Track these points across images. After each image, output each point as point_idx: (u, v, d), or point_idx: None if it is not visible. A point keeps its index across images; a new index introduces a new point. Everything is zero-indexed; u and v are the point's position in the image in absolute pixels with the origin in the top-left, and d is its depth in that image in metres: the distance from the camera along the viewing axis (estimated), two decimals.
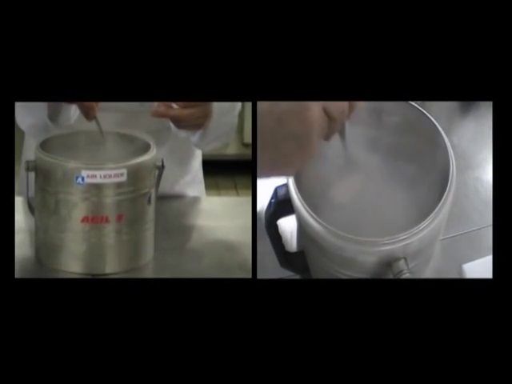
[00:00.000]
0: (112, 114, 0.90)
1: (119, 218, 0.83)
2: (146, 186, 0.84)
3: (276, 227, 0.91)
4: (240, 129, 2.12)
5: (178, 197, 1.06)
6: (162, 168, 0.86)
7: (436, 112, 0.93)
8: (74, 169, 0.79)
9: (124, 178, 0.80)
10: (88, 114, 0.89)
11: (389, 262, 0.78)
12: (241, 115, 1.22)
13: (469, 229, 1.15)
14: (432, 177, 0.88)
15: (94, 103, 0.92)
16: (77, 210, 0.81)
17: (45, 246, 0.86)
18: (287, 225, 0.91)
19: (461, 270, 1.14)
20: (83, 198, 0.80)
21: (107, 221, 0.82)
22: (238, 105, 1.06)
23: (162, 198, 0.92)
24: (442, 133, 0.89)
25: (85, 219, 0.82)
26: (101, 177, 0.79)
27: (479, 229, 1.13)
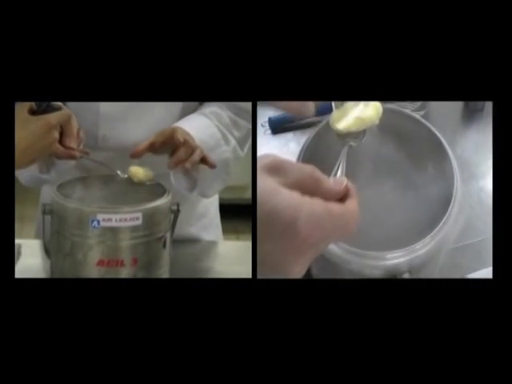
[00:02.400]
0: (126, 157, 0.89)
1: (134, 261, 0.85)
2: (162, 229, 0.84)
3: None
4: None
5: (195, 241, 1.05)
6: (177, 212, 0.86)
7: (440, 122, 0.93)
8: (90, 212, 0.79)
9: (139, 222, 0.80)
10: (70, 158, 0.89)
11: (394, 275, 0.77)
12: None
13: (473, 239, 1.13)
14: (437, 189, 0.88)
15: (71, 148, 0.90)
16: (92, 254, 0.82)
17: (54, 267, 0.83)
18: None
19: None
20: (99, 242, 0.80)
21: (122, 264, 0.84)
22: (231, 142, 1.02)
23: (178, 242, 0.92)
24: (447, 147, 0.89)
25: (100, 263, 0.83)
26: (116, 220, 0.79)
27: (483, 239, 1.11)
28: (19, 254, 0.98)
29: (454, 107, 1.32)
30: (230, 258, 0.98)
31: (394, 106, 0.93)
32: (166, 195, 0.85)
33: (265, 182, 0.55)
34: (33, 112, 0.92)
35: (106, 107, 0.99)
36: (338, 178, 0.63)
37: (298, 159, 0.86)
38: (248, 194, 2.04)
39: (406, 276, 0.81)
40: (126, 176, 0.90)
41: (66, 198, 0.82)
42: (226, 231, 1.08)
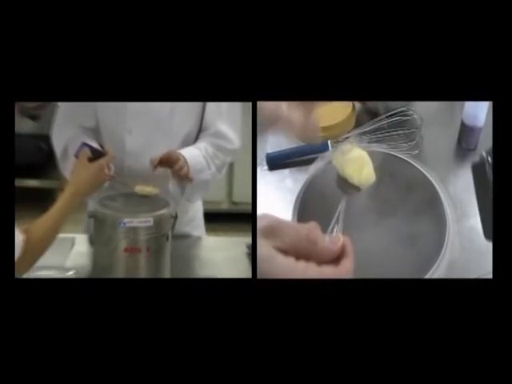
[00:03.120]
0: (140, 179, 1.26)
1: (148, 249, 1.17)
2: (165, 229, 1.18)
3: None
4: (230, 191, 2.57)
5: (187, 236, 1.43)
6: (176, 217, 1.19)
7: (433, 162, 0.95)
8: (119, 217, 1.14)
9: (151, 224, 1.15)
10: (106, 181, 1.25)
11: None
12: (231, 181, 2.05)
13: (466, 277, 1.11)
14: (430, 233, 0.90)
15: (105, 170, 1.23)
16: (120, 244, 1.15)
17: (98, 265, 1.20)
18: None
19: None
20: (124, 236, 1.14)
21: (140, 251, 1.16)
22: (212, 168, 1.35)
23: (176, 237, 1.24)
24: (441, 194, 0.92)
25: (126, 250, 1.16)
26: (136, 223, 1.14)
27: (476, 278, 1.10)
28: (73, 244, 1.33)
29: (447, 147, 1.33)
30: (211, 248, 1.39)
31: (388, 150, 0.94)
32: (168, 206, 1.20)
33: (262, 248, 0.59)
34: (90, 159, 1.21)
35: (130, 146, 1.33)
36: (334, 237, 0.65)
37: (297, 199, 0.89)
38: (223, 206, 2.56)
39: None
40: (135, 191, 1.24)
41: (104, 208, 1.17)
42: (208, 230, 1.51)
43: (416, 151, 0.96)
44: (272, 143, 1.39)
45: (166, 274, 1.20)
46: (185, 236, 1.39)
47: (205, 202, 1.49)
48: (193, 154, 1.27)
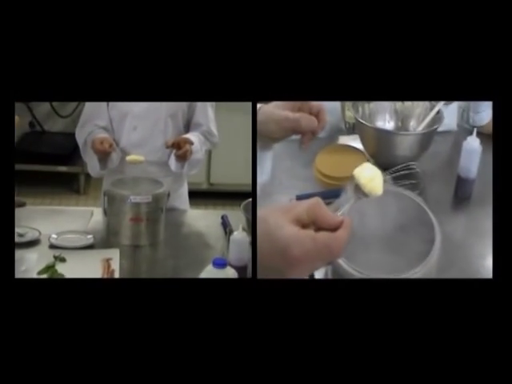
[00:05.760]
0: (142, 165, 1.67)
1: (148, 219, 1.51)
2: (161, 203, 1.53)
3: None
4: (208, 175, 3.10)
5: (176, 209, 1.78)
6: (168, 195, 1.56)
7: (433, 207, 1.09)
8: (126, 195, 1.49)
9: (150, 200, 1.50)
10: (106, 154, 1.66)
11: None
12: (209, 167, 2.78)
13: None
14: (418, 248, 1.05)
15: (106, 147, 1.63)
16: (127, 215, 1.49)
17: (110, 230, 1.53)
18: None
19: None
20: (130, 210, 1.49)
21: (142, 220, 1.50)
22: (203, 150, 1.79)
23: (168, 210, 1.59)
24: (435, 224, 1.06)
25: (131, 220, 1.50)
26: (139, 199, 1.49)
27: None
28: (92, 214, 1.65)
29: (445, 194, 1.52)
30: (194, 218, 1.75)
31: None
32: (163, 187, 1.55)
33: (276, 219, 0.75)
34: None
35: (134, 139, 1.74)
36: (338, 215, 0.81)
37: None
38: (203, 187, 3.07)
39: None
40: (126, 160, 1.66)
41: (115, 188, 1.53)
42: (191, 204, 1.91)
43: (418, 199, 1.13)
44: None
45: (160, 236, 1.53)
46: (174, 209, 1.74)
47: (189, 183, 1.90)
48: (194, 140, 1.69)
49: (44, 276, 1.27)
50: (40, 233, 1.39)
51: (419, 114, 1.60)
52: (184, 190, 1.83)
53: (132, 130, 1.70)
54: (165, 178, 1.63)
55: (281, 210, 0.77)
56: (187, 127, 1.78)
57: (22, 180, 1.71)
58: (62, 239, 1.39)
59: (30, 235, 1.37)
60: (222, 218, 1.62)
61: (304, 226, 0.76)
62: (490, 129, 1.73)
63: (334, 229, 0.76)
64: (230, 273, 1.17)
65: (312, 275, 1.03)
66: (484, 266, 1.27)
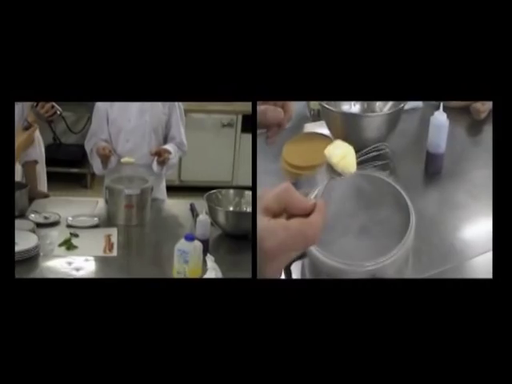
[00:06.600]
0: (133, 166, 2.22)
1: (138, 206, 1.93)
2: (147, 195, 1.98)
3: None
4: (179, 173, 4.02)
5: (157, 199, 2.25)
6: (152, 189, 2.01)
7: (404, 185, 1.09)
8: (122, 189, 1.92)
9: (139, 192, 1.94)
10: (106, 159, 2.19)
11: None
12: (180, 165, 3.90)
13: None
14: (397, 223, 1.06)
15: (107, 152, 2.15)
16: (123, 202, 1.90)
17: (110, 214, 1.95)
18: None
19: None
20: (124, 199, 1.91)
21: (133, 207, 1.92)
22: (177, 157, 2.33)
23: (152, 200, 2.06)
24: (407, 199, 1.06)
25: (126, 206, 1.90)
26: (131, 192, 1.92)
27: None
28: (97, 203, 2.10)
29: (416, 171, 1.55)
30: (170, 205, 2.26)
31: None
32: (148, 183, 2.00)
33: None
34: (24, 129, 1.81)
35: (128, 147, 2.24)
36: (308, 198, 0.78)
37: None
38: (176, 182, 3.98)
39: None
40: (122, 161, 2.19)
41: (114, 184, 1.96)
42: (168, 196, 2.45)
43: (390, 178, 1.13)
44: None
45: (147, 219, 1.97)
46: (156, 199, 2.21)
47: (166, 180, 2.47)
48: (171, 149, 2.25)
49: (63, 247, 1.64)
50: (60, 216, 1.84)
51: None
52: (163, 185, 2.41)
53: (125, 142, 2.25)
54: (149, 176, 2.13)
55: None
56: (165, 139, 2.34)
57: (47, 179, 2.31)
58: (76, 221, 1.84)
59: (53, 218, 1.83)
60: (191, 205, 2.10)
61: (275, 214, 0.73)
62: (455, 103, 1.75)
63: (306, 214, 0.73)
64: (197, 244, 1.45)
65: (289, 271, 1.01)
66: (458, 238, 1.29)
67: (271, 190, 0.74)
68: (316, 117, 1.84)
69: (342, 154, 0.84)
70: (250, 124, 3.56)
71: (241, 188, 1.97)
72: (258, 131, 1.05)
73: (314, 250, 0.98)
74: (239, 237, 1.73)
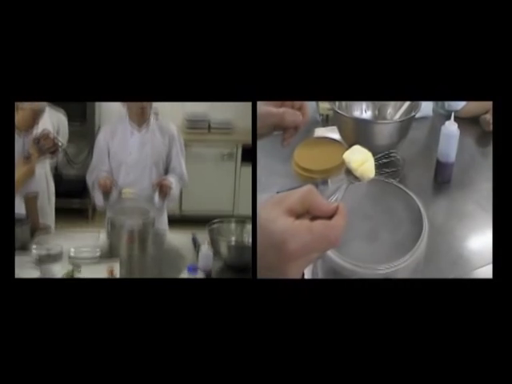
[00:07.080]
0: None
1: (140, 239, 1.90)
2: (148, 228, 1.94)
3: None
4: (180, 204, 3.95)
5: (159, 229, 2.19)
6: (154, 220, 1.97)
7: (415, 193, 1.11)
8: (124, 221, 1.90)
9: (140, 224, 1.90)
10: (108, 191, 2.15)
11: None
12: (180, 197, 3.70)
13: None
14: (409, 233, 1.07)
15: (108, 184, 2.14)
16: (124, 237, 1.88)
17: (112, 246, 1.90)
18: None
19: None
20: (126, 232, 1.88)
21: (135, 240, 1.90)
22: (178, 189, 2.30)
23: (154, 231, 2.03)
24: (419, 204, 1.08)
25: (127, 239, 1.89)
26: (133, 225, 1.90)
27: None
28: (100, 235, 2.03)
29: (425, 180, 1.57)
30: (172, 237, 2.17)
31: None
32: (150, 214, 1.98)
33: (268, 212, 0.73)
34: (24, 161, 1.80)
35: (129, 180, 2.22)
36: (331, 202, 0.79)
37: None
38: (176, 213, 3.79)
39: None
40: (123, 192, 2.11)
41: (116, 216, 1.93)
42: (170, 227, 2.45)
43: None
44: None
45: (149, 251, 1.91)
46: (157, 230, 2.17)
47: (167, 211, 2.48)
48: (172, 182, 2.24)
49: None
50: (62, 247, 1.84)
51: (396, 102, 1.61)
52: (164, 217, 2.41)
53: (126, 175, 2.26)
54: (151, 207, 2.12)
55: (272, 202, 0.74)
56: (166, 171, 2.33)
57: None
58: (78, 252, 1.83)
59: (55, 250, 1.82)
60: (192, 237, 2.06)
61: (298, 216, 0.73)
62: (465, 113, 1.78)
63: (329, 216, 0.74)
64: (199, 276, 1.51)
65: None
66: (466, 247, 1.30)
67: (294, 192, 0.74)
68: (325, 122, 1.84)
69: (361, 160, 0.86)
70: (249, 156, 3.49)
71: (242, 217, 1.98)
72: (275, 133, 1.04)
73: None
74: (241, 269, 1.69)
